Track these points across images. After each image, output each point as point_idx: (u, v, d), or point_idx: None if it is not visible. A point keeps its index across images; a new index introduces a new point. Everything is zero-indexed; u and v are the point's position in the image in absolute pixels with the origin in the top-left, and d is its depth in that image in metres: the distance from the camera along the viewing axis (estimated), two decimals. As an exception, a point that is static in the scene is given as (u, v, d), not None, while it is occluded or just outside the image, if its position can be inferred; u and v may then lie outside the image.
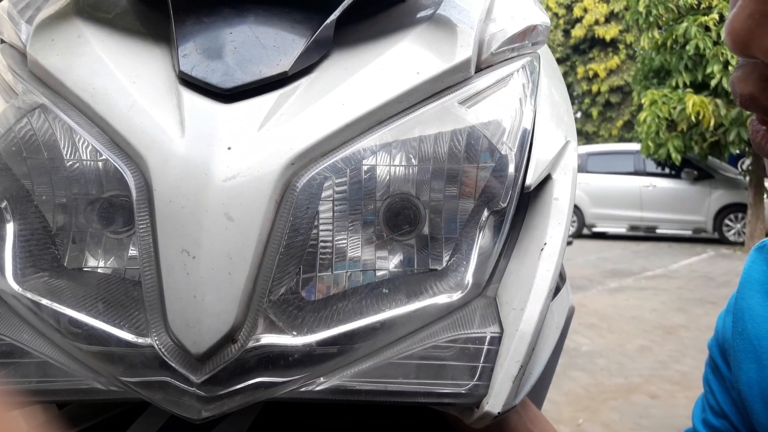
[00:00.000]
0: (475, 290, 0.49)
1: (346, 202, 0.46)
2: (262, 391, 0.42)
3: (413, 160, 0.48)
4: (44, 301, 0.46)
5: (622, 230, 10.71)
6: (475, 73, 0.53)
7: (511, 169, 0.50)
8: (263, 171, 0.41)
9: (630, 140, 13.56)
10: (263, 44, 0.47)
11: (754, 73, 0.30)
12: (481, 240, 0.50)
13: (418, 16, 0.55)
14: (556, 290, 0.62)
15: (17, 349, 0.44)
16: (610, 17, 16.99)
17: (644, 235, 10.63)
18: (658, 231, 10.42)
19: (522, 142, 0.51)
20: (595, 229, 10.95)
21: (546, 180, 0.54)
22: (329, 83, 0.46)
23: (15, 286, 0.47)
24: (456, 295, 0.48)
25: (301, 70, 0.47)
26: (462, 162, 0.49)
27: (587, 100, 17.68)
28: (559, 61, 17.83)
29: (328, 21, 0.49)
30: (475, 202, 0.50)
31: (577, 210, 10.83)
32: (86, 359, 0.43)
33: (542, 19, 0.61)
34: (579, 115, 18.15)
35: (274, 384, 0.42)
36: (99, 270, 0.48)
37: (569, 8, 18.00)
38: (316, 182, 0.43)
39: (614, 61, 16.99)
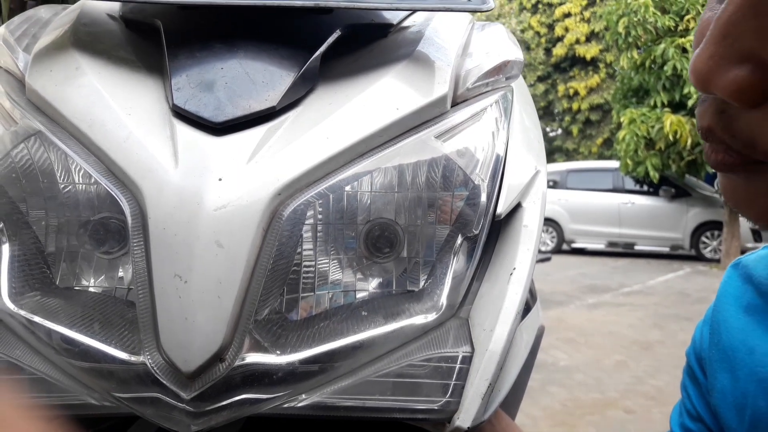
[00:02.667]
0: (449, 311, 0.52)
1: (329, 227, 0.49)
2: (247, 407, 0.44)
3: (393, 188, 0.51)
4: (38, 319, 0.48)
5: (600, 246, 10.83)
6: (452, 107, 0.57)
7: (483, 198, 0.53)
8: (252, 201, 0.44)
9: (609, 158, 13.78)
10: (252, 80, 0.50)
11: (711, 107, 0.33)
12: (455, 264, 0.53)
13: (399, 52, 0.58)
14: (527, 310, 0.65)
15: (13, 365, 0.46)
16: (591, 36, 17.28)
17: (622, 251, 10.76)
18: (636, 247, 10.56)
19: (494, 172, 0.55)
20: (574, 245, 11.06)
21: (516, 208, 0.57)
22: (314, 117, 0.49)
23: (10, 305, 0.49)
24: (431, 316, 0.51)
25: (288, 104, 0.50)
26: (438, 191, 0.52)
27: (567, 118, 17.92)
28: (541, 78, 18.07)
29: (313, 57, 0.53)
30: (450, 228, 0.53)
31: (556, 226, 10.95)
32: (80, 375, 0.46)
33: (516, 54, 0.65)
34: (559, 132, 18.39)
35: (258, 400, 0.44)
36: (90, 289, 0.51)
37: (551, 27, 18.28)
38: (301, 211, 0.46)
39: (594, 80, 17.27)
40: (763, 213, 0.34)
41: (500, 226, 0.57)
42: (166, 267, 0.42)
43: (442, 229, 0.53)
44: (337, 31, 0.56)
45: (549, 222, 11.07)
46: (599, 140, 17.18)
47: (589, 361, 4.27)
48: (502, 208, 0.54)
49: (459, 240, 0.53)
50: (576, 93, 17.54)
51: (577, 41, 17.54)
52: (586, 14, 17.39)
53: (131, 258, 0.45)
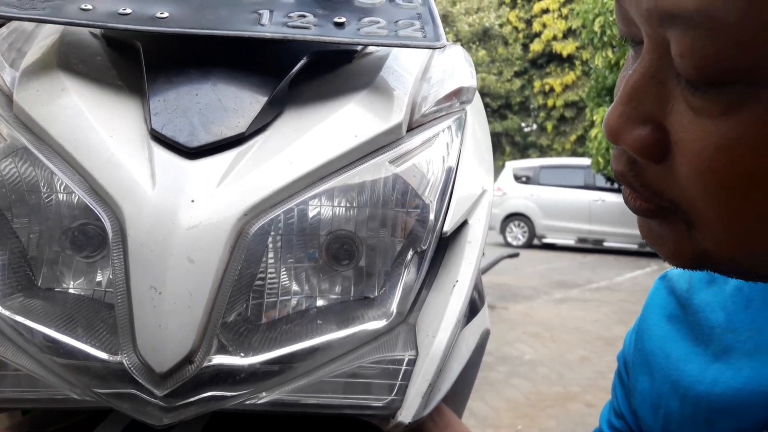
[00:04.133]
0: (398, 318, 0.58)
1: (292, 241, 0.55)
2: (213, 403, 0.50)
3: (352, 205, 0.57)
4: (23, 320, 0.52)
5: (570, 242, 11.03)
6: (408, 131, 0.62)
7: (432, 217, 0.59)
8: (220, 220, 0.49)
9: (583, 155, 13.99)
10: (224, 106, 0.55)
11: (624, 156, 0.38)
12: (406, 275, 0.59)
13: (362, 80, 0.63)
14: (473, 314, 0.71)
15: (3, 364, 0.51)
16: (568, 33, 17.48)
17: (592, 247, 10.97)
18: (605, 244, 10.77)
19: (443, 193, 0.61)
20: (545, 240, 11.24)
21: (463, 225, 0.63)
22: (280, 143, 0.55)
23: None
24: (382, 322, 0.57)
25: (257, 128, 0.56)
26: (392, 209, 0.58)
27: (542, 114, 18.15)
28: (517, 74, 18.22)
29: (280, 85, 0.58)
30: (402, 242, 0.59)
31: (528, 221, 11.12)
32: (63, 372, 0.50)
33: (470, 82, 0.71)
34: (534, 128, 18.60)
35: (223, 397, 0.50)
36: (71, 291, 0.56)
37: (529, 23, 18.45)
38: (266, 229, 0.51)
39: (570, 77, 17.49)
40: (670, 254, 0.39)
41: (448, 241, 0.63)
42: (143, 279, 0.47)
43: (396, 243, 0.59)
44: (305, 57, 0.62)
45: (521, 217, 11.23)
46: (573, 137, 17.42)
47: (553, 355, 4.39)
48: (449, 226, 0.60)
49: (410, 253, 0.59)
50: (552, 89, 17.76)
51: (555, 38, 17.74)
52: (564, 11, 17.58)
53: (111, 270, 0.50)
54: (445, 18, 17.51)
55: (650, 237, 0.41)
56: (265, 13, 0.61)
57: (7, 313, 0.53)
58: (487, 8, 18.51)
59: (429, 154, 0.61)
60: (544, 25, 17.93)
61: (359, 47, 0.69)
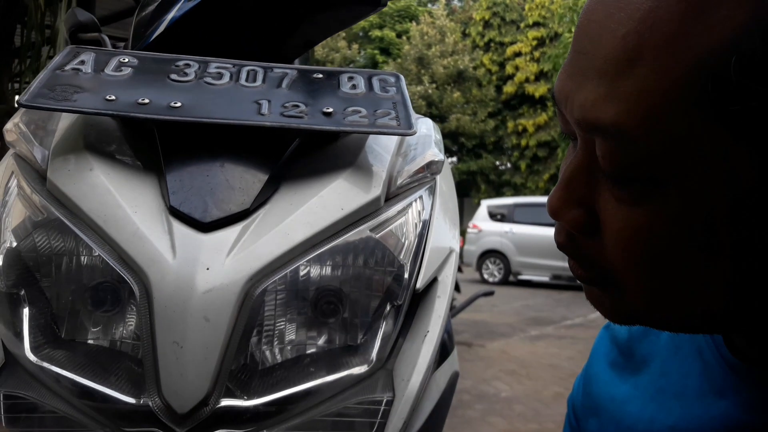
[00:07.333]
0: (378, 364, 0.68)
1: (288, 299, 0.64)
2: None
3: (338, 266, 0.67)
4: (54, 367, 0.61)
5: (545, 279, 11.17)
6: (385, 202, 0.73)
7: (406, 276, 0.69)
8: (230, 285, 0.59)
9: (555, 193, 14.21)
10: (231, 186, 0.65)
11: (563, 230, 0.46)
12: (384, 326, 0.69)
13: (345, 159, 0.74)
14: (444, 358, 0.81)
15: (40, 406, 0.60)
16: (540, 76, 17.98)
17: (566, 284, 11.11)
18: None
19: (416, 255, 0.71)
20: (520, 277, 11.38)
21: (433, 281, 0.73)
22: (278, 216, 0.65)
23: (33, 357, 0.62)
24: (364, 368, 0.67)
25: (259, 203, 0.66)
26: (372, 269, 0.68)
27: (516, 153, 18.53)
28: (491, 115, 18.63)
29: (277, 165, 0.68)
30: (381, 297, 0.69)
31: (503, 258, 11.27)
32: (94, 414, 0.59)
33: (439, 156, 0.82)
34: (508, 166, 18.95)
35: None
36: (90, 342, 0.64)
37: (502, 65, 18.96)
38: (268, 290, 0.61)
39: (542, 118, 17.92)
40: (608, 313, 0.47)
41: (420, 296, 0.73)
42: (167, 335, 0.57)
43: (375, 298, 0.69)
44: (297, 140, 0.72)
45: (496, 254, 11.38)
46: (546, 176, 17.78)
47: (529, 392, 4.45)
48: (421, 283, 0.71)
49: (387, 307, 0.69)
50: (525, 129, 18.17)
51: (527, 80, 18.23)
52: (536, 54, 18.11)
53: (139, 327, 0.59)
54: (421, 60, 17.94)
55: (592, 299, 0.50)
56: (264, 103, 0.71)
57: (38, 361, 0.62)
58: (462, 51, 18.99)
59: (404, 221, 0.72)
60: (517, 68, 18.45)
61: (344, 129, 0.80)
